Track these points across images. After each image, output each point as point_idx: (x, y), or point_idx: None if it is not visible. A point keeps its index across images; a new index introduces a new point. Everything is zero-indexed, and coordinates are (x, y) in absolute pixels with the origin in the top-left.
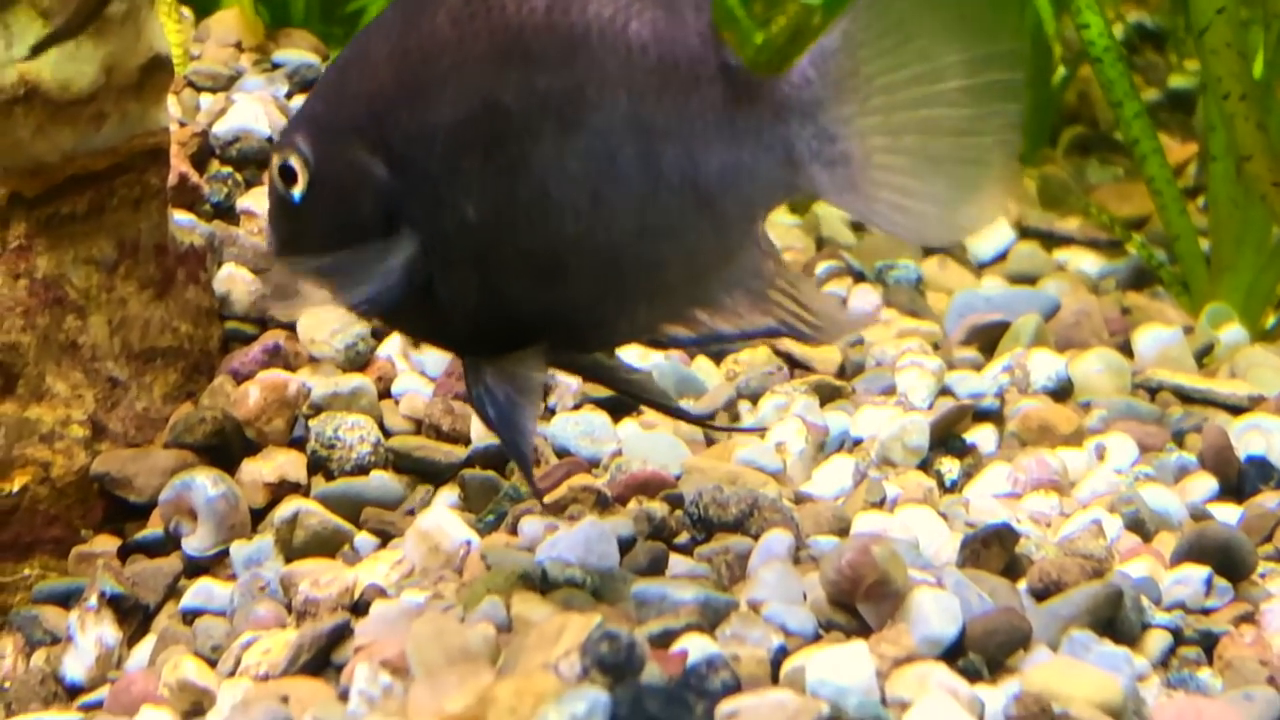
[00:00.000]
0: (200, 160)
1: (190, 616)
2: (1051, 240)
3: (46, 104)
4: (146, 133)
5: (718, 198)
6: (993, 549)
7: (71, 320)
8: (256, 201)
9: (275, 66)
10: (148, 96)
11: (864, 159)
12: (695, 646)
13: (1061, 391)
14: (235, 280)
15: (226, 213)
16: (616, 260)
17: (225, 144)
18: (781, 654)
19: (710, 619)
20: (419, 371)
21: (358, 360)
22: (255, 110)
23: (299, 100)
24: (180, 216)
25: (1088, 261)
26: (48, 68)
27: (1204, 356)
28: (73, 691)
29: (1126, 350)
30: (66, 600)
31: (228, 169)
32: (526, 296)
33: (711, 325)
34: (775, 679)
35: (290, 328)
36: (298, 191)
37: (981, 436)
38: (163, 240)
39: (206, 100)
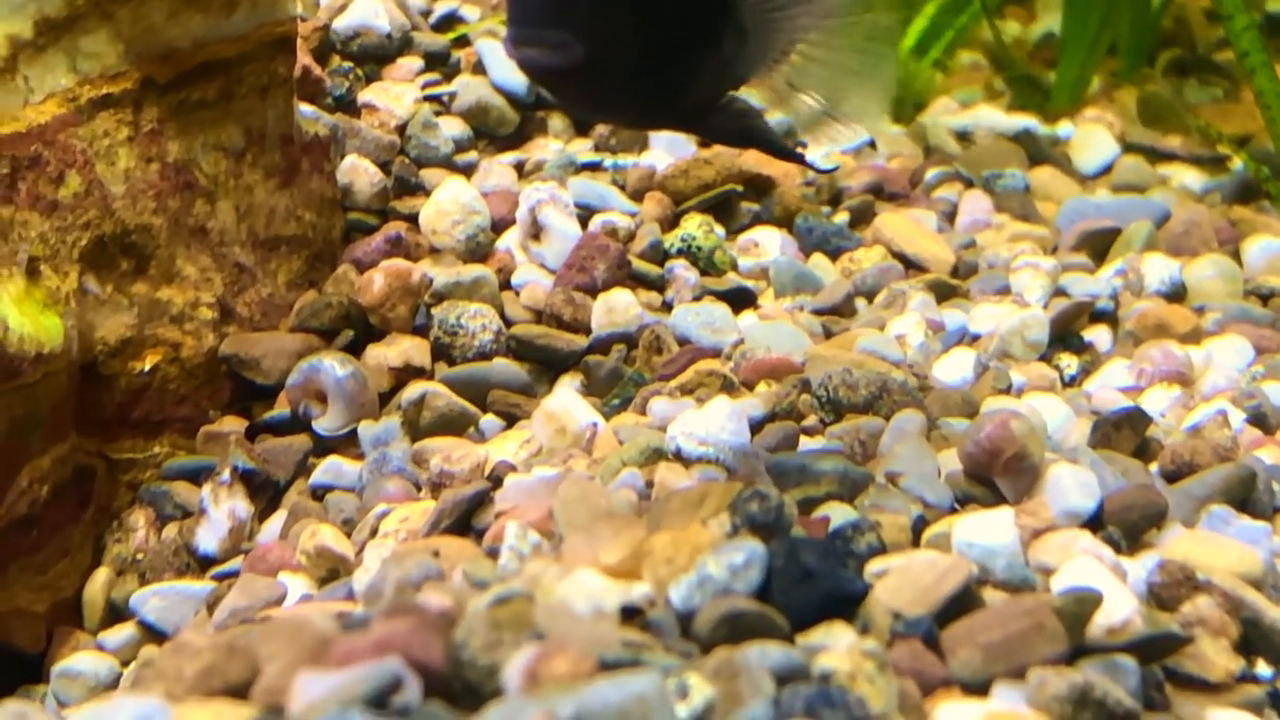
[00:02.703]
0: (321, 55)
1: (320, 492)
2: (1155, 155)
3: None
4: (275, 21)
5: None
6: (1124, 432)
7: (201, 205)
8: (377, 96)
9: None
10: None
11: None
12: (836, 514)
13: (1175, 295)
14: (358, 171)
15: (348, 106)
16: None
17: (345, 39)
18: (921, 523)
19: (849, 489)
20: (538, 263)
21: (478, 251)
22: (374, 6)
23: None
24: (305, 108)
25: (1191, 177)
26: None
27: None
28: (205, 562)
29: (1235, 260)
30: (195, 477)
31: (348, 64)
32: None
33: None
34: (916, 545)
35: (412, 219)
36: None
37: (1097, 336)
38: (288, 130)
39: None
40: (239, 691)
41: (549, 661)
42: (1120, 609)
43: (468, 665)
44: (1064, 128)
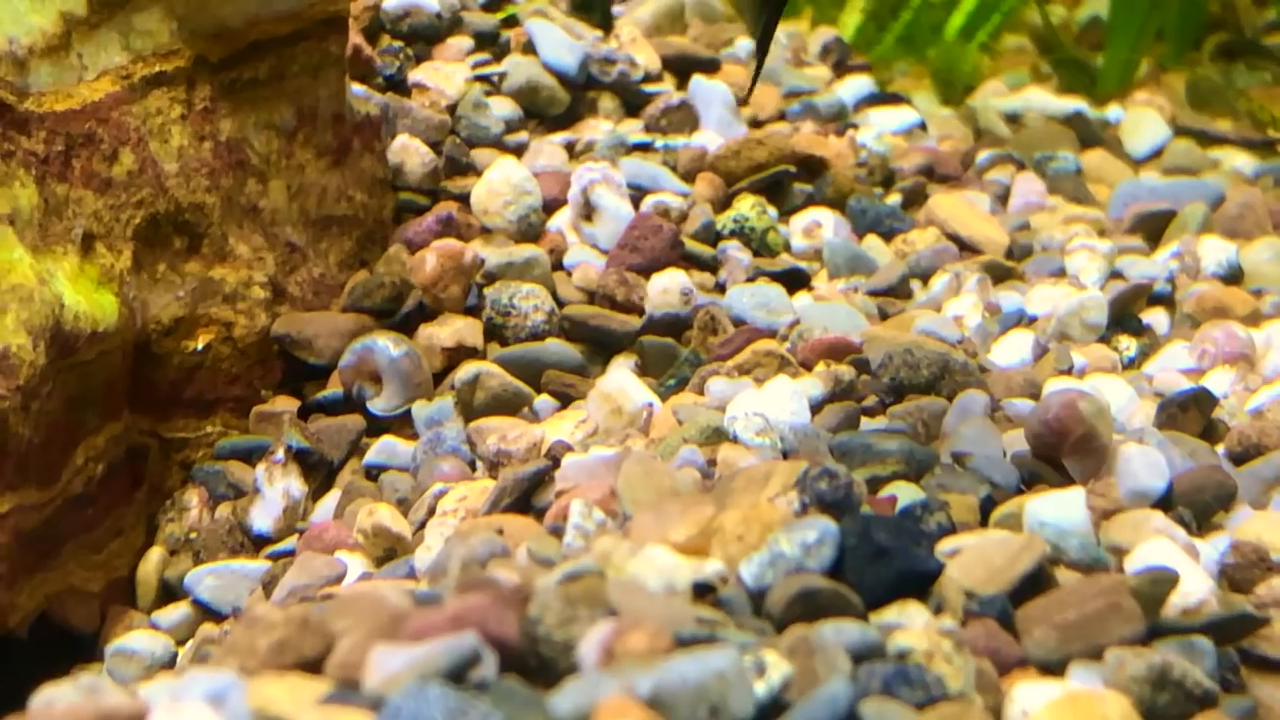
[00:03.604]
0: (372, 34)
1: (374, 472)
2: (1206, 139)
3: None
4: (327, 0)
5: None
6: (1190, 413)
7: (253, 184)
8: (427, 75)
9: None
10: None
11: None
12: (903, 494)
13: (1232, 278)
14: (409, 151)
15: (398, 86)
16: None
17: (395, 19)
18: (989, 503)
19: (914, 469)
20: (590, 244)
21: (529, 232)
22: None
23: None
24: (356, 88)
25: (1242, 161)
26: None
27: None
28: (259, 542)
29: None
30: (248, 456)
31: (398, 43)
32: None
33: None
34: (985, 525)
35: (463, 199)
36: None
37: (1155, 319)
38: (340, 109)
39: None
40: (313, 666)
41: (625, 638)
42: (1196, 589)
43: (543, 641)
44: (1113, 111)
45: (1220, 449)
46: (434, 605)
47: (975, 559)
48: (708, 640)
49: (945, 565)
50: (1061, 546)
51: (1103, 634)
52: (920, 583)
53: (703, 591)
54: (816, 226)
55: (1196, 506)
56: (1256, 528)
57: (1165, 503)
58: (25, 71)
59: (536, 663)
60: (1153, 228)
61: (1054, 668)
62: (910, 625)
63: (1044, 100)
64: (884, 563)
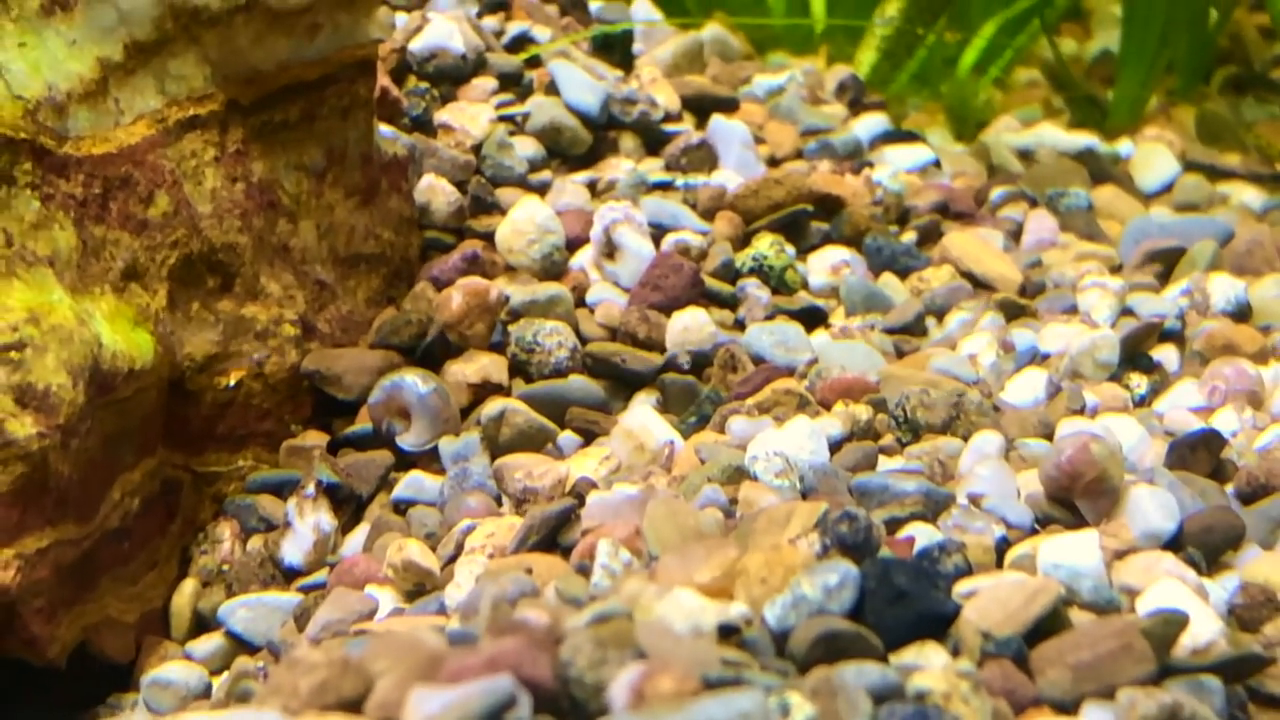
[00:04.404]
0: (399, 76)
1: (402, 506)
2: (1214, 173)
3: (265, 13)
4: (356, 45)
5: None
6: (1199, 453)
7: (284, 224)
8: (452, 116)
9: None
10: (359, 8)
11: None
12: (921, 534)
13: (1241, 314)
14: (435, 190)
15: (424, 126)
16: None
17: (422, 60)
18: (1004, 544)
19: (932, 509)
20: (612, 282)
21: (553, 270)
22: (449, 28)
23: (489, 20)
24: (383, 129)
25: (1250, 195)
26: None
27: None
28: (290, 574)
29: None
30: (279, 490)
31: (424, 84)
32: None
33: None
34: (1000, 566)
35: (488, 238)
36: None
37: (1165, 356)
38: (368, 150)
39: (402, 19)
40: (353, 706)
41: (654, 680)
42: (1205, 630)
43: (574, 683)
44: (1124, 145)
45: (1229, 488)
46: (469, 646)
47: (991, 601)
48: (734, 682)
49: (962, 607)
50: (1075, 588)
51: (1115, 674)
52: (938, 624)
53: (728, 633)
54: (844, 265)
55: (1206, 547)
56: (1264, 568)
57: (1175, 543)
58: (64, 116)
59: (569, 704)
60: (1163, 264)
61: (1068, 707)
62: (929, 666)
63: (1055, 135)
64: (903, 605)
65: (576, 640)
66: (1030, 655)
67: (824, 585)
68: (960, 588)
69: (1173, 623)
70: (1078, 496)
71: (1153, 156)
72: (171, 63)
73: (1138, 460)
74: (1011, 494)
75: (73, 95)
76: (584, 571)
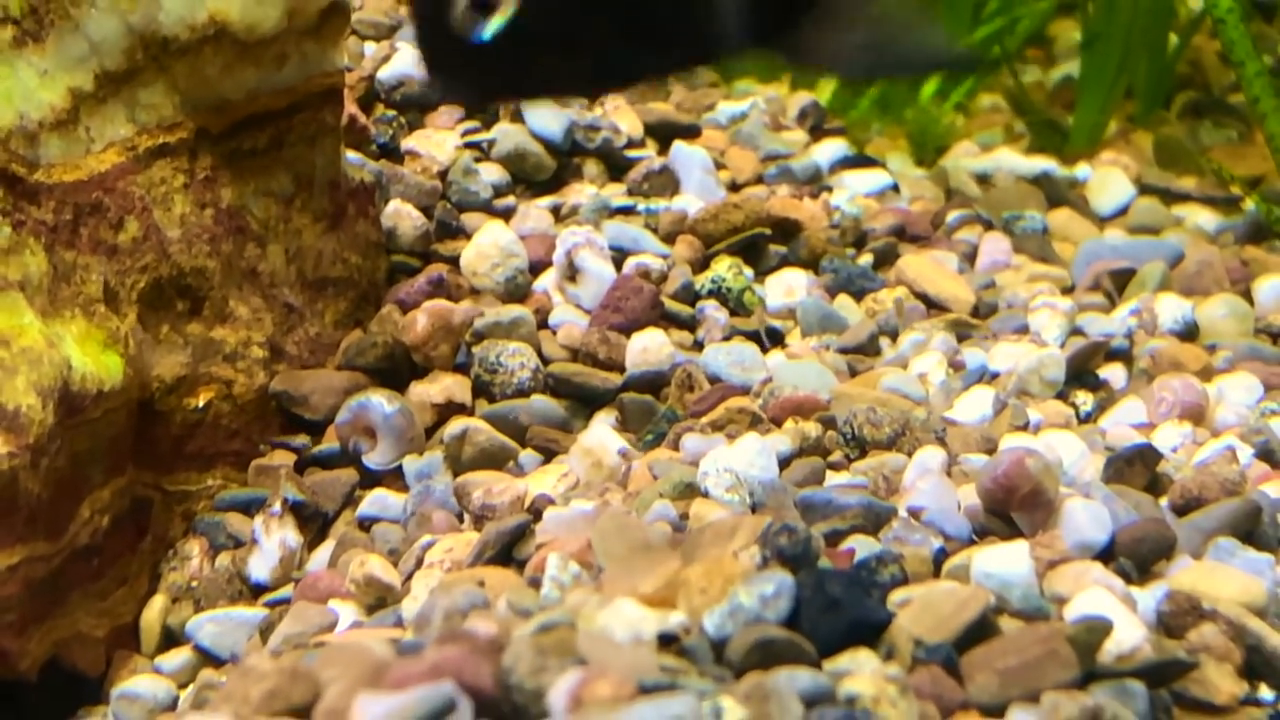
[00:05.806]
0: (366, 103)
1: (367, 523)
2: (1169, 197)
3: (234, 44)
4: (323, 73)
5: None
6: (1135, 467)
7: (252, 248)
8: (419, 142)
9: None
10: (325, 38)
11: None
12: (861, 546)
13: (1188, 334)
14: (402, 215)
15: (391, 153)
16: None
17: (389, 89)
18: (942, 555)
19: (873, 522)
20: (574, 304)
21: (516, 293)
22: (415, 57)
23: None
24: (351, 155)
25: (1204, 218)
26: (235, 9)
27: None
28: (257, 590)
29: (1246, 299)
30: (247, 508)
31: (392, 112)
32: None
33: None
34: (937, 576)
35: (453, 261)
36: None
37: (1112, 374)
38: (336, 176)
39: (370, 48)
40: (302, 713)
41: (592, 686)
42: (1130, 636)
43: (515, 689)
44: (1082, 170)
45: (1164, 501)
46: (415, 655)
47: (924, 608)
48: (669, 688)
49: (896, 615)
50: (1005, 596)
51: (1040, 679)
52: (871, 632)
53: (667, 641)
54: (802, 288)
55: (1137, 557)
56: (1191, 577)
57: (1107, 554)
58: (35, 145)
59: (510, 710)
60: (1114, 285)
61: (994, 711)
62: (860, 672)
63: (1013, 160)
64: (836, 613)
65: (518, 648)
66: (960, 661)
67: (760, 595)
68: (896, 596)
69: (1096, 629)
70: (1014, 509)
71: (1109, 180)
72: (141, 92)
73: (1078, 475)
74: (952, 507)
75: (44, 124)
76: (536, 584)
